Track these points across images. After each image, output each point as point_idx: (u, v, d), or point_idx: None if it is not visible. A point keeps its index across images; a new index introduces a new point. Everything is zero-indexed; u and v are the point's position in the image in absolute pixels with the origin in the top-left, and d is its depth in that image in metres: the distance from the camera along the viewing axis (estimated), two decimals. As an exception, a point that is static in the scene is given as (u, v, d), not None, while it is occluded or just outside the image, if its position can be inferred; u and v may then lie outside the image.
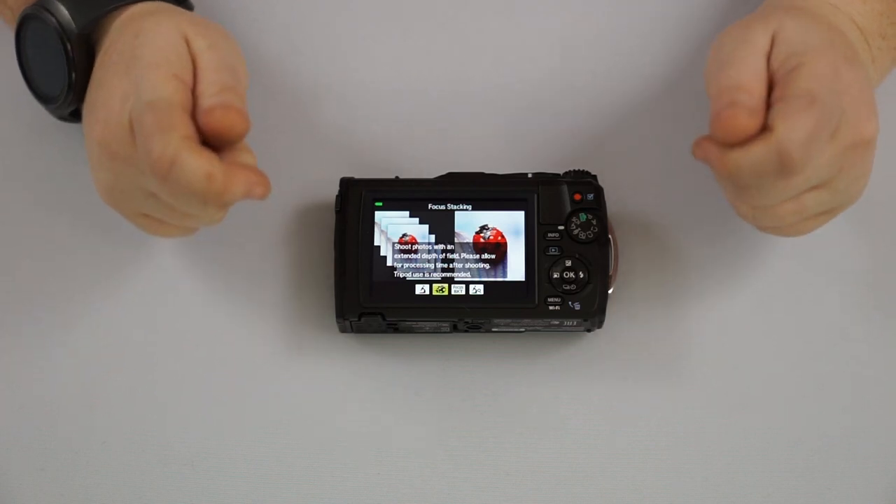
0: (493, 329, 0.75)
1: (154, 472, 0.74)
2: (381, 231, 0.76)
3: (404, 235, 0.76)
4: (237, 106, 0.66)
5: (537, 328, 0.75)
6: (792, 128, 0.63)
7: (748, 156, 0.64)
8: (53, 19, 0.72)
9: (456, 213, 0.76)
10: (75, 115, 0.75)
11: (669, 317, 0.77)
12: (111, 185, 0.69)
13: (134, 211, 0.70)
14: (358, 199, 0.76)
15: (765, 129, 0.64)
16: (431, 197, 0.76)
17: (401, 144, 0.81)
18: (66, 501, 0.74)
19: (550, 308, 0.74)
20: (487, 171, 0.77)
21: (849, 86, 0.66)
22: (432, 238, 0.76)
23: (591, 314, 0.74)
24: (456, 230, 0.76)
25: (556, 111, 0.82)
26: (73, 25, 0.72)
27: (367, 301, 0.74)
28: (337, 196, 0.76)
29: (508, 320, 0.74)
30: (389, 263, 0.75)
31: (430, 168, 0.77)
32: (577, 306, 0.74)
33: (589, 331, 0.76)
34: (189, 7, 0.76)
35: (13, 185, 0.80)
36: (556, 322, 0.74)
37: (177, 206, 0.67)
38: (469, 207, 0.76)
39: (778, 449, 0.74)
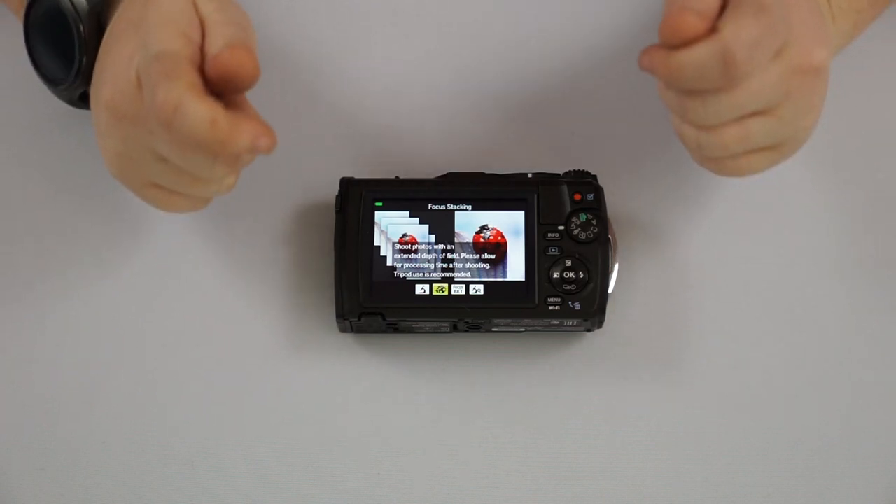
0: (493, 329, 0.75)
1: (154, 472, 0.74)
2: (381, 231, 0.76)
3: (404, 235, 0.76)
4: (246, 45, 0.65)
5: (537, 328, 0.75)
6: (738, 29, 0.63)
7: (692, 54, 0.63)
8: None
9: (456, 213, 0.76)
10: (83, 99, 0.75)
11: (669, 317, 0.77)
12: (119, 151, 0.68)
13: (143, 181, 0.69)
14: (358, 199, 0.76)
15: (712, 31, 0.64)
16: (431, 197, 0.76)
17: (401, 144, 0.81)
18: (66, 501, 0.74)
19: (550, 308, 0.74)
20: (487, 171, 0.77)
21: (798, 5, 0.66)
22: (432, 238, 0.76)
23: (591, 314, 0.74)
24: (456, 230, 0.76)
25: (556, 111, 0.82)
26: (85, 2, 0.72)
27: (367, 301, 0.74)
28: (337, 196, 0.76)
29: (508, 320, 0.74)
30: (389, 263, 0.75)
31: (430, 168, 0.78)
32: (577, 306, 0.74)
33: (589, 331, 0.76)
34: None
35: (13, 179, 0.80)
36: (556, 322, 0.74)
37: (185, 167, 0.66)
38: (469, 207, 0.76)
39: (778, 449, 0.74)
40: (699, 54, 0.64)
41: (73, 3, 0.72)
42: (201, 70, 0.65)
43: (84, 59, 0.73)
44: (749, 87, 0.65)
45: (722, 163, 0.70)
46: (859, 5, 0.76)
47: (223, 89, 0.65)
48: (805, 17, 0.67)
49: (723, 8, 0.65)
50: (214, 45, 0.66)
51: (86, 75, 0.73)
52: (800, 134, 0.70)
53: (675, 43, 0.64)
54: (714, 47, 0.63)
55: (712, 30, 0.64)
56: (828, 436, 0.75)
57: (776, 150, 0.70)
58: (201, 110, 0.63)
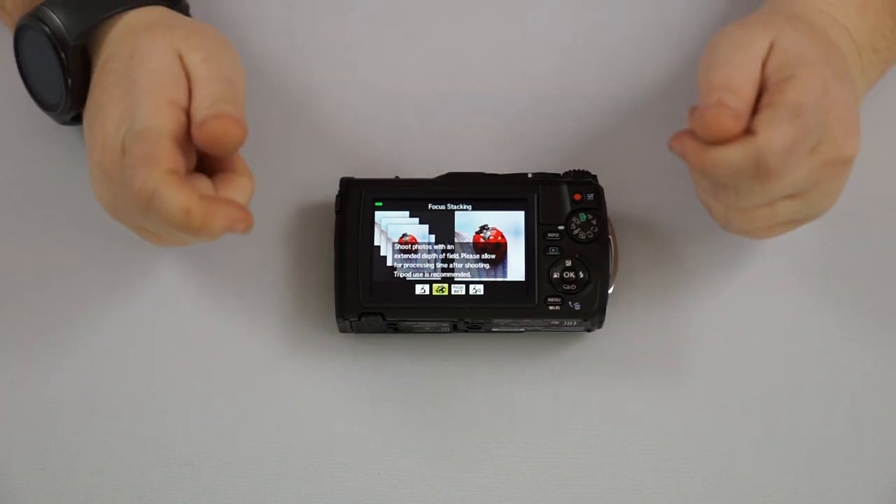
0: (493, 329, 0.75)
1: (154, 472, 0.74)
2: (381, 231, 0.76)
3: (404, 235, 0.76)
4: (231, 114, 0.67)
5: (537, 328, 0.75)
6: (773, 136, 0.64)
7: (726, 155, 0.65)
8: (48, 29, 0.72)
9: (456, 213, 0.76)
10: (77, 119, 0.75)
11: (669, 317, 0.77)
12: (110, 203, 0.70)
13: (134, 224, 0.71)
14: (358, 199, 0.76)
15: (747, 132, 0.65)
16: (431, 197, 0.76)
17: (401, 144, 0.81)
18: (66, 501, 0.74)
19: (550, 308, 0.74)
20: (487, 171, 0.77)
21: (835, 104, 0.67)
22: (432, 238, 0.76)
23: (591, 314, 0.74)
24: (456, 230, 0.76)
25: (556, 111, 0.82)
26: (68, 36, 0.72)
27: (367, 301, 0.74)
28: (337, 196, 0.76)
29: (508, 320, 0.74)
30: (389, 263, 0.75)
31: (430, 168, 0.77)
32: (577, 306, 0.74)
33: (589, 331, 0.76)
34: (184, 8, 0.76)
35: (14, 188, 0.80)
36: (556, 322, 0.74)
37: (168, 238, 0.69)
38: (469, 207, 0.76)
39: (778, 449, 0.74)
40: (734, 156, 0.65)
41: (55, 35, 0.72)
42: (189, 133, 0.67)
43: (71, 86, 0.73)
44: (781, 181, 0.66)
45: (747, 232, 0.72)
46: (888, 55, 0.76)
47: (210, 153, 0.67)
48: (840, 112, 0.67)
49: (758, 96, 0.66)
50: (201, 109, 0.67)
51: (74, 101, 0.74)
52: (823, 211, 0.71)
53: (709, 139, 0.64)
54: (748, 152, 0.64)
55: (747, 130, 0.65)
56: (828, 436, 0.75)
57: (799, 222, 0.72)
58: (175, 200, 0.65)
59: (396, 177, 0.77)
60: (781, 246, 0.78)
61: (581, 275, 0.74)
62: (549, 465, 0.74)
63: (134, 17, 0.73)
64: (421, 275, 0.75)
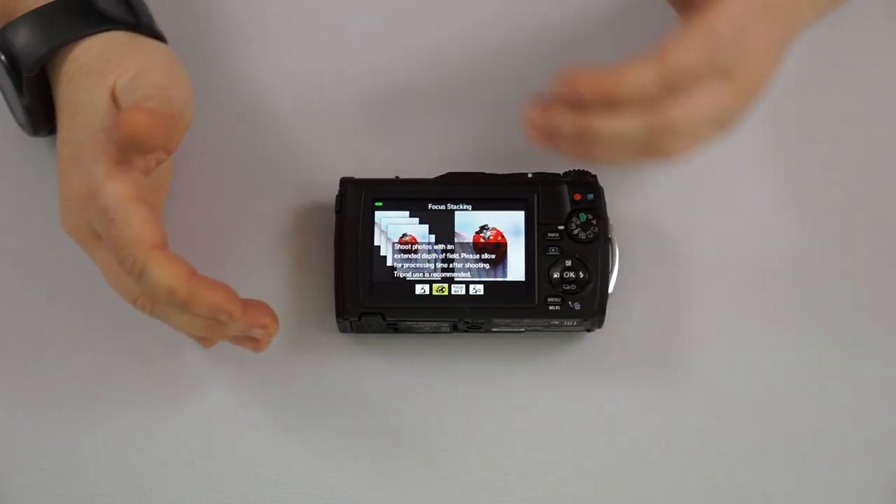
0: (493, 329, 0.75)
1: (154, 472, 0.74)
2: (381, 231, 0.76)
3: (404, 235, 0.76)
4: (141, 107, 0.66)
5: (537, 328, 0.75)
6: (679, 55, 0.64)
7: (634, 75, 0.65)
8: (3, 57, 0.72)
9: (456, 213, 0.76)
10: (52, 132, 0.76)
11: (669, 317, 0.77)
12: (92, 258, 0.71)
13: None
14: (358, 199, 0.76)
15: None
16: (431, 197, 0.76)
17: (401, 144, 0.81)
18: (66, 501, 0.74)
19: (550, 308, 0.74)
20: (487, 171, 0.77)
21: (754, 36, 0.66)
22: (432, 238, 0.76)
23: (591, 314, 0.74)
24: (456, 230, 0.76)
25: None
26: (21, 67, 0.72)
27: (367, 301, 0.74)
28: (337, 196, 0.76)
29: (508, 320, 0.74)
30: (389, 263, 0.75)
31: (430, 168, 0.77)
32: (577, 306, 0.74)
33: (589, 331, 0.76)
34: (145, 28, 0.74)
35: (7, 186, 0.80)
36: (556, 322, 0.74)
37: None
38: (469, 207, 0.76)
39: (778, 449, 0.74)
40: (640, 72, 0.65)
41: (11, 66, 0.72)
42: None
43: (31, 118, 0.74)
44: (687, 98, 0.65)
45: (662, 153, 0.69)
46: None
47: (133, 151, 0.67)
48: (759, 45, 0.67)
49: None
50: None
51: (37, 125, 0.75)
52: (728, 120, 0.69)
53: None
54: (653, 69, 0.65)
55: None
56: (828, 436, 0.75)
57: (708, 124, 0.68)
58: (162, 279, 0.65)
59: (396, 177, 0.77)
60: (781, 246, 0.78)
61: (581, 275, 0.74)
62: (549, 465, 0.74)
63: (81, 51, 0.72)
64: (421, 275, 0.75)
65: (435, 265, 0.75)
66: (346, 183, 0.76)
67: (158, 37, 0.75)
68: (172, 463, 0.74)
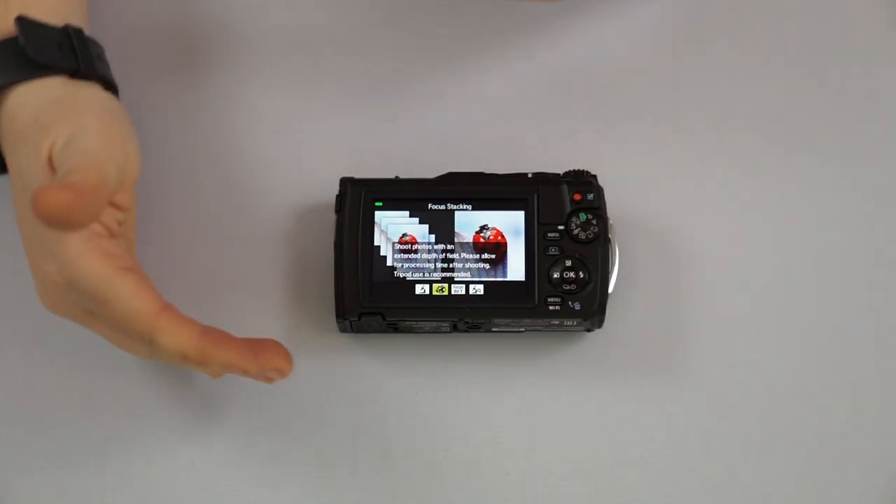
0: (493, 329, 0.75)
1: (154, 472, 0.74)
2: (381, 231, 0.75)
3: (404, 235, 0.76)
4: (56, 185, 0.60)
5: (537, 328, 0.75)
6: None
7: None
8: None
9: (456, 212, 0.76)
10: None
11: (669, 317, 0.77)
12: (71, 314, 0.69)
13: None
14: (358, 199, 0.76)
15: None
16: (431, 197, 0.76)
17: (401, 144, 0.81)
18: (66, 501, 0.74)
19: (550, 308, 0.74)
20: (487, 171, 0.77)
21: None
22: (432, 238, 0.76)
23: (591, 314, 0.74)
24: (456, 230, 0.76)
25: (556, 111, 0.82)
26: None
27: (367, 301, 0.74)
28: (337, 196, 0.76)
29: (508, 320, 0.74)
30: (389, 263, 0.75)
31: (430, 168, 0.77)
32: (577, 306, 0.74)
33: (589, 331, 0.76)
34: (88, 72, 0.70)
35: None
36: (556, 322, 0.74)
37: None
38: (469, 207, 0.76)
39: (778, 449, 0.74)
40: None
41: None
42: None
43: None
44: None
45: None
46: None
47: (57, 230, 0.63)
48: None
49: None
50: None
51: None
52: None
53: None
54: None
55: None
56: (828, 436, 0.75)
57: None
58: (173, 344, 0.65)
59: (396, 177, 0.77)
60: (781, 245, 0.78)
61: (581, 275, 0.74)
62: (549, 465, 0.74)
63: (17, 105, 0.68)
64: (421, 275, 0.75)
65: (435, 265, 0.75)
66: (346, 183, 0.76)
67: (102, 78, 0.71)
68: (172, 463, 0.74)
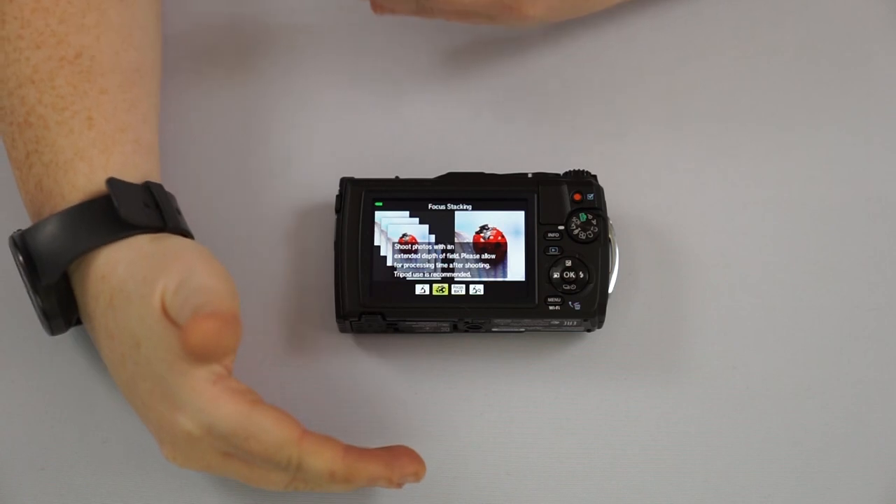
0: (493, 329, 0.75)
1: (154, 472, 0.74)
2: (381, 231, 0.76)
3: (404, 235, 0.76)
4: (210, 311, 0.62)
5: (537, 328, 0.75)
6: None
7: None
8: (21, 259, 0.68)
9: (456, 213, 0.76)
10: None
11: (669, 317, 0.77)
12: (205, 465, 0.68)
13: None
14: (358, 199, 0.76)
15: None
16: (431, 197, 0.76)
17: (401, 144, 0.81)
18: (66, 501, 0.74)
19: (550, 308, 0.74)
20: (487, 171, 0.77)
21: None
22: (432, 238, 0.76)
23: (591, 314, 0.74)
24: (456, 230, 0.76)
25: (556, 111, 0.82)
26: (40, 275, 0.68)
27: (367, 301, 0.74)
28: (337, 196, 0.76)
29: (508, 320, 0.74)
30: (389, 263, 0.75)
31: (430, 168, 0.77)
32: (577, 306, 0.74)
33: (589, 331, 0.76)
34: (173, 227, 0.71)
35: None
36: (557, 322, 0.74)
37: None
38: (469, 207, 0.76)
39: (778, 449, 0.74)
40: None
41: (27, 272, 0.68)
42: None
43: (48, 322, 0.70)
44: None
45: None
46: None
47: (206, 360, 0.64)
48: None
49: None
50: (181, 325, 0.63)
51: (54, 329, 0.71)
52: None
53: None
54: None
55: None
56: (828, 436, 0.75)
57: None
58: (320, 467, 0.65)
59: (396, 177, 0.77)
60: (781, 246, 0.78)
61: (581, 275, 0.74)
62: (548, 466, 0.74)
63: (107, 266, 0.68)
64: (421, 275, 0.75)
65: (435, 265, 0.75)
66: (346, 183, 0.76)
67: (183, 233, 0.72)
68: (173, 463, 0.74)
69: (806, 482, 0.74)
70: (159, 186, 0.72)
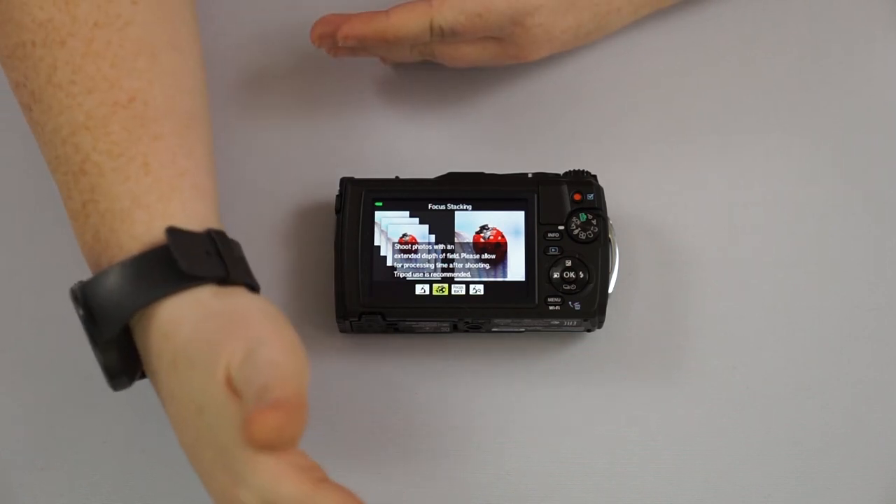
0: (493, 329, 0.75)
1: (154, 472, 0.74)
2: (381, 231, 0.76)
3: (404, 235, 0.76)
4: (276, 400, 0.59)
5: (537, 328, 0.75)
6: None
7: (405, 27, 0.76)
8: (82, 313, 0.65)
9: (456, 213, 0.76)
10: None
11: (669, 317, 0.77)
12: None
13: None
14: (358, 199, 0.76)
15: None
16: (431, 197, 0.76)
17: (401, 144, 0.81)
18: (66, 501, 0.74)
19: (550, 308, 0.74)
20: (487, 171, 0.77)
21: None
22: (432, 238, 0.76)
23: (591, 314, 0.74)
24: (456, 230, 0.76)
25: (556, 111, 0.82)
26: (101, 329, 0.65)
27: (367, 301, 0.74)
28: (337, 196, 0.76)
29: (508, 320, 0.74)
30: (389, 263, 0.75)
31: (430, 168, 0.77)
32: (577, 306, 0.74)
33: (589, 331, 0.76)
34: (238, 276, 0.67)
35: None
36: (557, 322, 0.74)
37: None
38: (469, 207, 0.76)
39: (778, 449, 0.74)
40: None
41: (88, 325, 0.65)
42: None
43: (109, 376, 0.67)
44: None
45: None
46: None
47: (270, 454, 0.61)
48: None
49: None
50: (246, 412, 0.60)
51: (115, 385, 0.68)
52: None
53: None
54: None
55: None
56: (828, 436, 0.75)
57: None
58: None
59: (396, 177, 0.77)
60: (781, 246, 0.78)
61: (581, 275, 0.74)
62: (549, 465, 0.74)
63: (170, 324, 0.64)
64: (421, 275, 0.75)
65: (435, 265, 0.75)
66: (346, 183, 0.76)
67: (248, 285, 0.67)
68: (172, 463, 0.74)
69: (806, 482, 0.74)
70: (222, 233, 0.68)
